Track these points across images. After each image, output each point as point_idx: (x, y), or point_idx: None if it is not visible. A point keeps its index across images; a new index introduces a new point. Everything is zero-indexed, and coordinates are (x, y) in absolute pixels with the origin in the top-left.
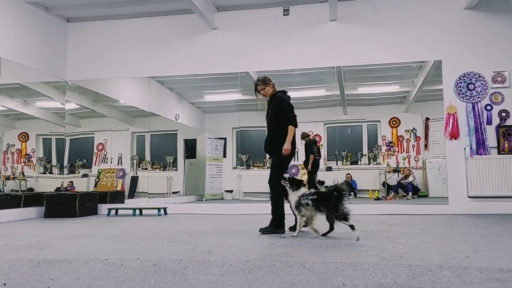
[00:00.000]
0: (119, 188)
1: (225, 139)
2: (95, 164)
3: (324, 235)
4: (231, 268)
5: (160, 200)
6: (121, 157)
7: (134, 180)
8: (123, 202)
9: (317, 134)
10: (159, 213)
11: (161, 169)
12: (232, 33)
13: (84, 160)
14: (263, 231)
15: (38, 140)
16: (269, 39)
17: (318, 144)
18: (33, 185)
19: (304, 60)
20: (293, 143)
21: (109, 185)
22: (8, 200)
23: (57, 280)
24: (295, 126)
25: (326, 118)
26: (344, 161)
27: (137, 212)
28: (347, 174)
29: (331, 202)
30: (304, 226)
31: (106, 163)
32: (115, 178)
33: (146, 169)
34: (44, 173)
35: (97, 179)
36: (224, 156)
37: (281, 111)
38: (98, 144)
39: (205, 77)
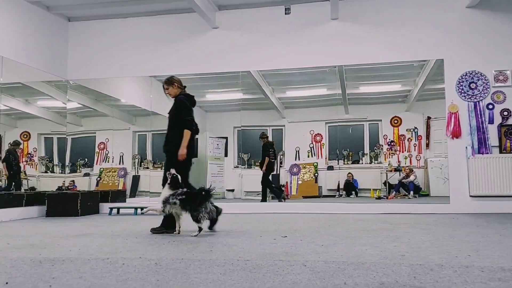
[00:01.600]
0: (120, 187)
1: (226, 138)
2: (96, 163)
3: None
4: (232, 267)
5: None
6: (122, 156)
7: (136, 179)
8: (124, 201)
9: (318, 133)
10: None
11: (163, 168)
12: (233, 32)
13: (86, 159)
14: (154, 230)
15: (40, 139)
16: (270, 38)
17: (274, 146)
18: (34, 184)
19: (305, 59)
20: (192, 146)
21: (110, 184)
22: (10, 199)
23: (59, 279)
24: (191, 130)
25: (328, 117)
26: (345, 160)
27: (139, 211)
28: (349, 173)
29: (196, 202)
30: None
31: (108, 162)
32: (117, 177)
33: (147, 168)
34: (45, 172)
35: (98, 178)
36: (226, 155)
37: (178, 114)
38: (100, 143)
39: (206, 76)
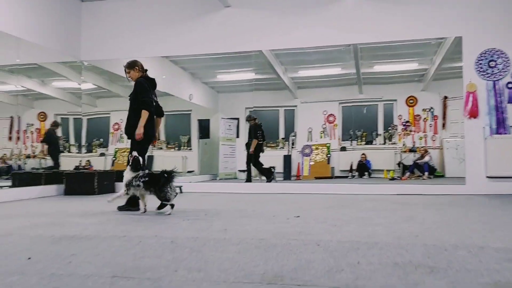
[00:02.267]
0: None
1: (238, 119)
2: (111, 144)
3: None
4: (246, 246)
5: (175, 179)
6: None
7: (150, 159)
8: None
9: (331, 114)
10: None
11: (176, 148)
12: (246, 10)
13: (101, 140)
14: (120, 208)
15: (56, 119)
16: (283, 16)
17: (262, 128)
18: (52, 163)
19: (319, 37)
20: (150, 127)
21: (125, 164)
22: (30, 178)
23: (77, 256)
24: (148, 110)
25: (341, 97)
26: (359, 140)
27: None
28: (362, 154)
29: (159, 184)
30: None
31: (122, 142)
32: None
33: (161, 148)
34: (62, 152)
35: (113, 158)
36: (237, 136)
37: (137, 95)
38: (114, 124)
39: (218, 56)
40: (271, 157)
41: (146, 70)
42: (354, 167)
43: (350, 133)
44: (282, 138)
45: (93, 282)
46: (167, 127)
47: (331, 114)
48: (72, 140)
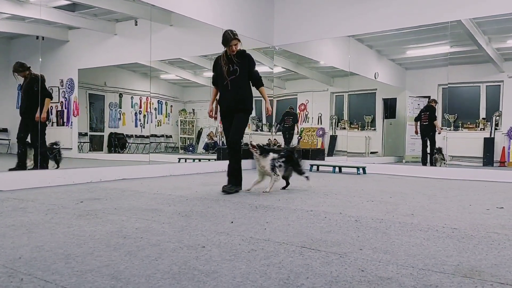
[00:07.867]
0: (319, 146)
1: (428, 97)
2: (298, 123)
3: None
4: (437, 234)
5: (358, 159)
6: (320, 116)
7: (333, 139)
8: (323, 159)
9: None
10: (358, 171)
11: (359, 128)
12: None
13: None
14: (227, 190)
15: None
16: None
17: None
18: (247, 140)
19: None
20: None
21: (310, 143)
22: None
23: (271, 223)
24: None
25: None
26: None
27: (337, 169)
28: None
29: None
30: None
31: (308, 122)
32: (316, 136)
33: (344, 128)
34: (256, 130)
35: (299, 137)
36: None
37: (254, 71)
38: (301, 104)
39: (407, 31)
40: (469, 140)
41: None
42: None
43: None
44: (483, 119)
45: (285, 250)
46: (351, 107)
47: None
48: (264, 120)
